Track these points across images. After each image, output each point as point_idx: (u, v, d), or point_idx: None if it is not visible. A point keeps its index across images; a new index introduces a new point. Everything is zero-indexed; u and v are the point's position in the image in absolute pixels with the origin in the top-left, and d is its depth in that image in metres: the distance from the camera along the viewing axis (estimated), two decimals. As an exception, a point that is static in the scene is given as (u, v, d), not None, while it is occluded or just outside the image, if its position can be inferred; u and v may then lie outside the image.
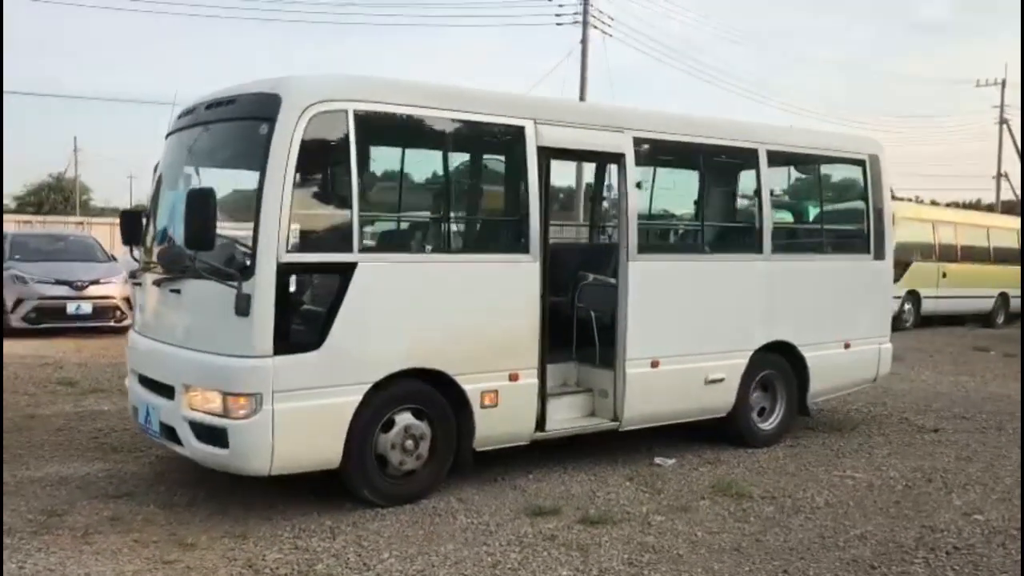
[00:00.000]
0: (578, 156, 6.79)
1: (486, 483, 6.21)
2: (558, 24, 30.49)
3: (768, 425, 7.73)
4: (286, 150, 5.12)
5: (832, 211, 8.81)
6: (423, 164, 6.69)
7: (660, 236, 8.06)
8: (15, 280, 13.90)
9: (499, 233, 6.60)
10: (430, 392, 5.78)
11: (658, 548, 5.09)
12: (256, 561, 4.73)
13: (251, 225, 5.15)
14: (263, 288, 5.05)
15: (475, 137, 6.37)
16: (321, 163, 5.50)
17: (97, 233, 20.78)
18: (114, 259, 15.58)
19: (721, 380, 7.18)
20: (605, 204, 8.62)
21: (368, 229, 5.68)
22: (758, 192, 7.48)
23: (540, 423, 6.32)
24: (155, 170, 6.47)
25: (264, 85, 5.43)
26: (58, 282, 13.95)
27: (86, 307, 13.94)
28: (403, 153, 6.53)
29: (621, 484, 6.36)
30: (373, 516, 5.47)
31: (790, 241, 8.12)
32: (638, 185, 6.75)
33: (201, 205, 4.96)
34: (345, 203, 5.37)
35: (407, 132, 6.05)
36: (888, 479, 6.65)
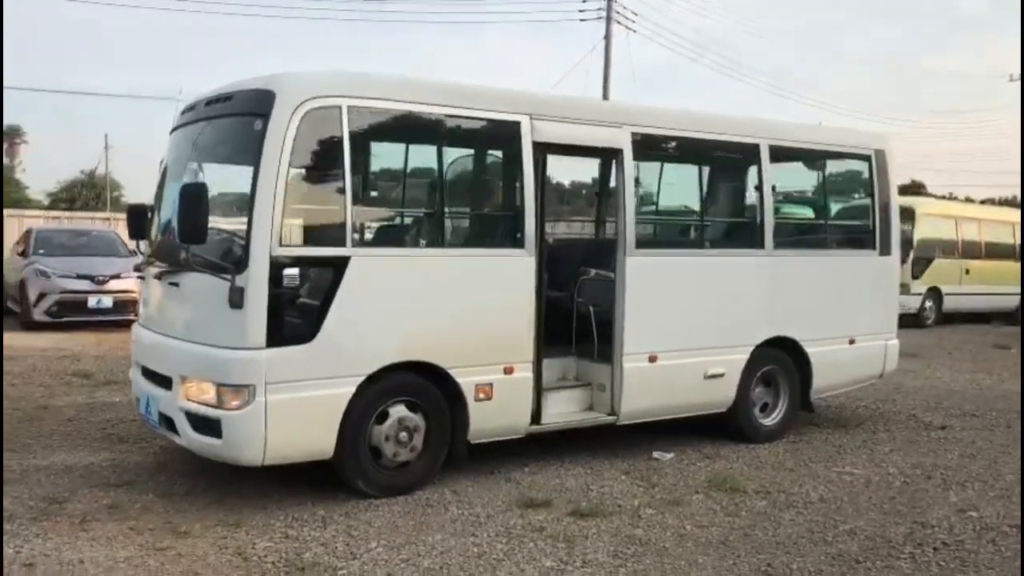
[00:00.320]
0: (575, 151, 6.80)
1: (481, 475, 6.27)
2: (581, 20, 30.48)
3: (770, 421, 7.72)
4: (279, 145, 5.21)
5: (837, 206, 8.77)
6: (417, 159, 6.75)
7: (658, 231, 8.06)
8: (38, 274, 14.18)
9: (494, 228, 6.66)
10: (424, 385, 5.84)
11: (645, 541, 5.12)
12: (246, 549, 4.83)
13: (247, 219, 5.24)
14: (256, 281, 5.14)
15: (470, 133, 6.42)
16: (315, 158, 5.58)
17: (122, 229, 21.03)
18: (135, 254, 15.77)
19: (721, 375, 7.19)
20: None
21: (361, 223, 5.76)
22: (760, 187, 7.46)
23: (536, 416, 6.37)
24: (161, 165, 6.60)
25: (259, 82, 5.52)
26: (79, 276, 14.20)
27: (107, 301, 14.16)
28: (397, 148, 6.61)
29: (616, 478, 6.39)
30: (366, 507, 5.55)
31: (793, 236, 8.09)
32: (636, 180, 6.77)
33: (194, 200, 5.07)
34: (338, 198, 5.45)
35: (401, 128, 6.11)
36: (887, 475, 6.63)
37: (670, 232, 8.26)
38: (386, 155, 6.60)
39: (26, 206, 35.95)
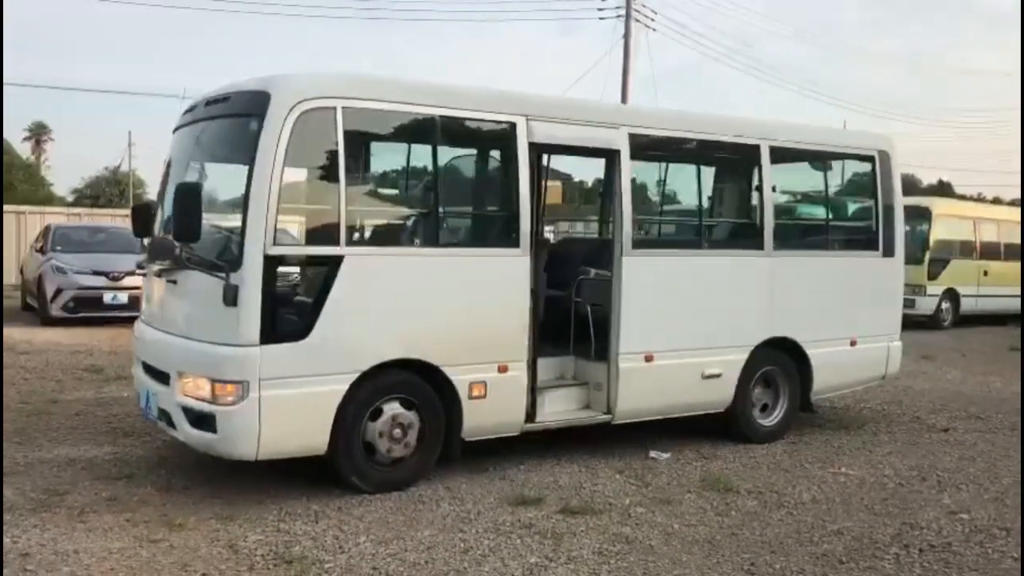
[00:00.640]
0: (571, 152, 6.85)
1: (476, 472, 6.33)
2: (600, 18, 30.44)
3: (770, 421, 7.73)
4: (274, 146, 5.30)
5: (839, 207, 8.76)
6: (412, 160, 6.82)
7: (655, 231, 8.09)
8: (55, 271, 14.43)
9: (489, 228, 6.72)
10: (418, 382, 5.92)
11: (631, 539, 5.16)
12: (237, 542, 4.92)
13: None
14: (250, 279, 5.23)
15: (465, 133, 6.47)
16: (309, 159, 5.67)
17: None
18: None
19: (718, 376, 7.21)
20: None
21: (355, 223, 5.83)
22: (760, 188, 7.47)
23: (531, 415, 6.43)
24: (165, 164, 6.71)
25: (255, 83, 5.61)
26: (95, 273, 14.44)
27: (122, 297, 14.37)
28: (391, 149, 6.68)
29: (611, 476, 6.43)
30: (359, 502, 5.63)
31: (794, 237, 8.08)
32: (633, 181, 6.80)
33: (187, 199, 5.18)
34: (332, 198, 5.53)
35: (396, 129, 6.17)
36: (882, 477, 6.63)
37: (667, 232, 8.28)
38: (381, 156, 6.67)
39: (51, 204, 36.43)
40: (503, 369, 6.17)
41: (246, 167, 5.37)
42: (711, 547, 5.07)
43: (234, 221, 5.48)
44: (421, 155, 6.63)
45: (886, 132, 8.55)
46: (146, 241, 6.72)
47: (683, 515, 5.61)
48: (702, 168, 7.58)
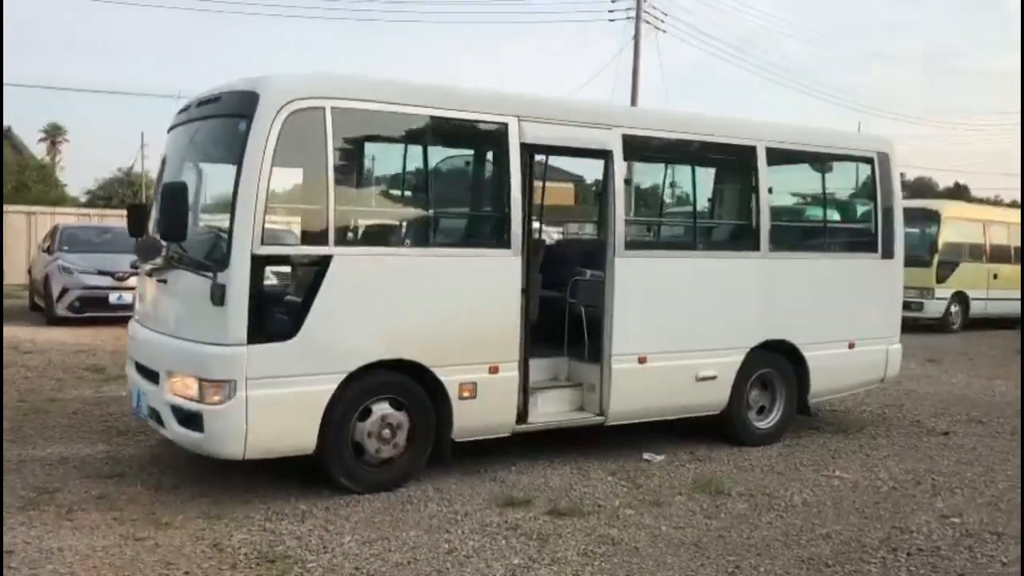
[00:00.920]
0: (563, 153, 6.83)
1: (467, 473, 6.32)
2: (611, 20, 30.42)
3: (766, 424, 7.69)
4: (262, 146, 5.30)
5: (837, 209, 8.70)
6: (402, 160, 6.81)
7: (649, 233, 8.05)
8: (61, 271, 14.51)
9: (480, 228, 6.71)
10: (407, 383, 5.91)
11: (617, 540, 5.14)
12: (222, 541, 4.92)
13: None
14: (237, 279, 5.24)
15: (456, 134, 6.47)
16: (298, 159, 5.68)
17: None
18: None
19: (713, 377, 7.17)
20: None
21: (344, 223, 5.83)
22: (755, 189, 7.43)
23: (523, 416, 6.41)
24: (159, 164, 6.74)
25: (245, 83, 5.63)
26: (101, 273, 14.50)
27: (127, 297, 14.33)
28: (381, 150, 6.67)
29: (603, 478, 6.41)
30: (347, 502, 5.63)
31: (791, 239, 8.03)
32: (626, 182, 6.78)
33: (173, 198, 5.20)
34: (321, 198, 5.53)
35: (386, 129, 6.17)
36: (876, 480, 6.57)
37: (661, 234, 8.24)
38: (370, 156, 6.66)
39: (63, 204, 36.64)
40: (494, 370, 6.16)
41: (235, 167, 5.38)
42: (697, 549, 5.04)
43: (223, 221, 5.49)
44: (411, 155, 6.64)
45: (888, 135, 8.48)
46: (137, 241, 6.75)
47: (672, 517, 5.58)
48: (697, 169, 7.55)
